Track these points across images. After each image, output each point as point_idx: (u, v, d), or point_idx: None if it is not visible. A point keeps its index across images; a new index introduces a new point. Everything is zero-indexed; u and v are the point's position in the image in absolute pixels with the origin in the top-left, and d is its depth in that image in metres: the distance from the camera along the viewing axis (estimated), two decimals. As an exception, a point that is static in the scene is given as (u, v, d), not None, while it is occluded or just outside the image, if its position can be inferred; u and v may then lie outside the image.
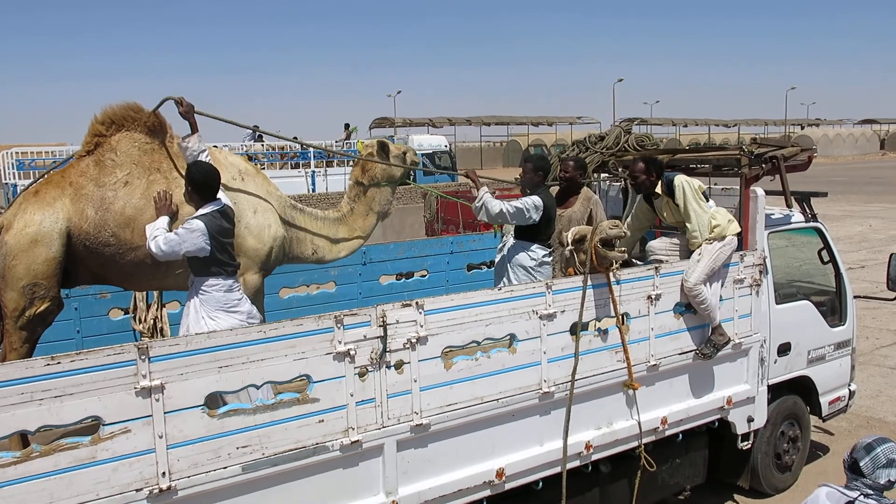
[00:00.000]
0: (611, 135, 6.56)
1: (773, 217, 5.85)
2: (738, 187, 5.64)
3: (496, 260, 5.83)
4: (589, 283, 4.60)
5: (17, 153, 22.64)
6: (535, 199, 5.32)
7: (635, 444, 4.93)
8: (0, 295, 4.21)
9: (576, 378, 4.50)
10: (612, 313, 4.72)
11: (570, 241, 4.85)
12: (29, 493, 3.01)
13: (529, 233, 5.41)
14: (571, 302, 4.53)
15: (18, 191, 21.17)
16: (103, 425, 3.16)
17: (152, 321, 5.50)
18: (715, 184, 6.14)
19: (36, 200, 4.26)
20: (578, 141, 6.74)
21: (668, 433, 5.16)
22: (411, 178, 5.62)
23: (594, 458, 4.80)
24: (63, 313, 4.61)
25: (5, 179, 22.14)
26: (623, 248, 4.76)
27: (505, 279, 5.57)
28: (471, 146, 56.03)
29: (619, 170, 6.32)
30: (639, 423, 4.88)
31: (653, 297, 4.91)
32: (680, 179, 5.27)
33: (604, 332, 4.72)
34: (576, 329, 4.53)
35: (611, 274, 4.68)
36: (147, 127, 4.46)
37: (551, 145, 54.90)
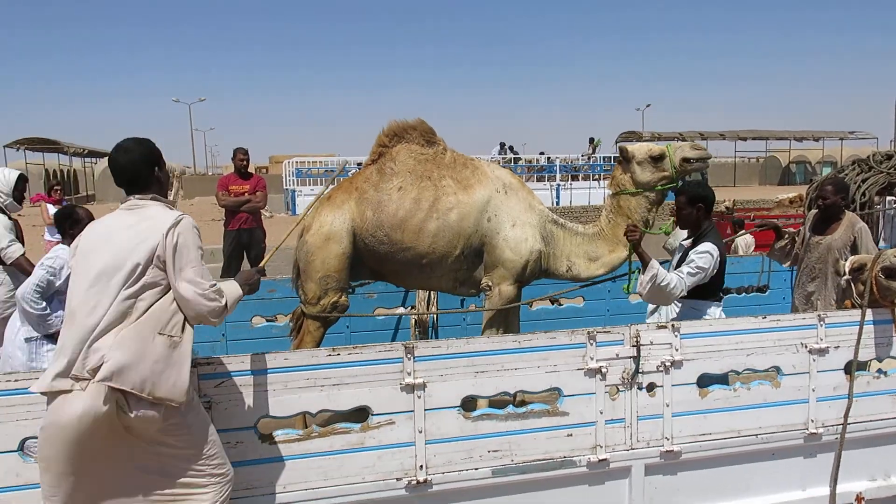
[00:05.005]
0: (900, 153, 5.88)
1: None
2: None
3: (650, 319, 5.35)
4: (868, 317, 4.15)
5: (295, 162, 25.55)
6: (709, 248, 4.42)
7: (917, 502, 4.36)
8: (302, 285, 4.89)
9: (848, 422, 4.09)
10: (896, 353, 4.22)
11: (847, 269, 4.41)
12: (308, 468, 3.37)
13: (703, 288, 4.48)
14: (847, 337, 4.12)
15: (297, 196, 23.92)
16: (372, 415, 3.45)
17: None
18: None
19: (329, 204, 4.89)
20: (860, 160, 6.11)
21: (960, 495, 4.49)
22: (677, 182, 4.84)
23: (865, 511, 4.31)
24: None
25: (286, 186, 25.06)
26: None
27: None
28: (724, 162, 52.87)
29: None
30: (922, 480, 4.30)
31: (950, 338, 4.31)
32: None
33: (884, 374, 4.24)
34: (850, 367, 4.11)
35: (895, 308, 4.19)
36: (424, 140, 4.92)
37: (816, 162, 50.31)
